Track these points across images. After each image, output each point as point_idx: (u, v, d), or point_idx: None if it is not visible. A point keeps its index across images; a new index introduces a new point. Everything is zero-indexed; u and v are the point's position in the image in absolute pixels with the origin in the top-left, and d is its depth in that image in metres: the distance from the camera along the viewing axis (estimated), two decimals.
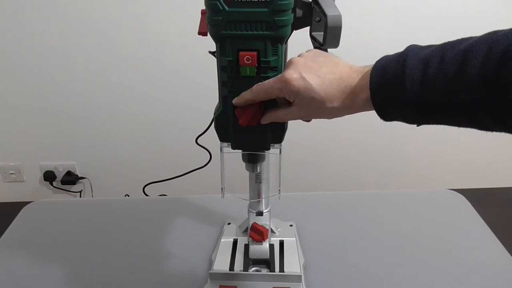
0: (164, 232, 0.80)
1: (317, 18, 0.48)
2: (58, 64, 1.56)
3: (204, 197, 0.89)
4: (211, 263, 0.69)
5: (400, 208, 0.85)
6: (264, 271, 0.66)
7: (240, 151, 0.56)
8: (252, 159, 0.58)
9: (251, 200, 0.68)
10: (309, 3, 0.48)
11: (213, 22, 0.44)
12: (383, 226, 0.80)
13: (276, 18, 0.43)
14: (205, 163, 0.79)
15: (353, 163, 1.84)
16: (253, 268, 0.67)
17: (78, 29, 1.49)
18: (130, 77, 1.59)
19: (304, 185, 1.84)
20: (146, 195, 1.13)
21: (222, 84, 0.49)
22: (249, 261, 0.67)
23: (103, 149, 1.77)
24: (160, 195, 1.42)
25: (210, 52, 0.50)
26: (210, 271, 0.65)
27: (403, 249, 0.74)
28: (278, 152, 0.55)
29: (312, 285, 0.67)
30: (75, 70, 1.57)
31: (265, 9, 0.43)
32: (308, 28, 0.50)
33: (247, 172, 0.63)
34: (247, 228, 0.69)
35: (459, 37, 0.37)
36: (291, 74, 0.43)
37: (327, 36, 0.44)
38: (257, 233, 0.66)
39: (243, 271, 0.65)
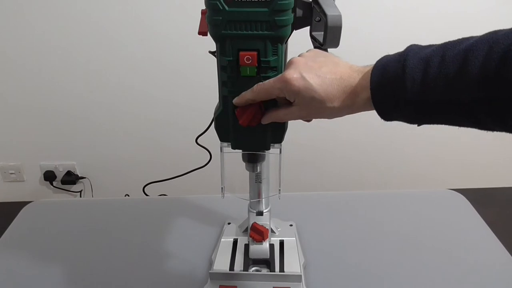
0: (164, 232, 0.80)
1: (317, 18, 0.48)
2: (58, 64, 1.56)
3: (204, 197, 0.89)
4: (211, 263, 0.69)
5: (400, 208, 0.85)
6: (264, 271, 0.66)
7: (240, 151, 0.56)
8: (252, 159, 0.58)
9: (251, 200, 0.68)
10: (309, 3, 0.48)
11: (213, 22, 0.44)
12: (383, 226, 0.80)
13: (276, 18, 0.43)
14: (205, 163, 0.79)
15: (353, 163, 1.84)
16: (253, 268, 0.67)
17: (78, 29, 1.49)
18: (130, 77, 1.59)
19: (304, 185, 1.84)
20: (146, 195, 1.13)
21: (222, 84, 0.49)
22: (249, 261, 0.67)
23: (103, 149, 1.77)
24: (160, 195, 1.42)
25: (210, 52, 0.50)
26: (210, 271, 0.65)
27: (403, 249, 0.74)
28: (278, 152, 0.55)
29: (312, 285, 0.67)
30: (75, 70, 1.57)
31: (265, 9, 0.43)
32: (308, 28, 0.50)
33: (247, 172, 0.63)
34: (247, 228, 0.69)
35: (460, 37, 0.37)
36: (292, 74, 0.43)
37: (327, 36, 0.44)
38: (257, 233, 0.66)
39: (243, 271, 0.65)
